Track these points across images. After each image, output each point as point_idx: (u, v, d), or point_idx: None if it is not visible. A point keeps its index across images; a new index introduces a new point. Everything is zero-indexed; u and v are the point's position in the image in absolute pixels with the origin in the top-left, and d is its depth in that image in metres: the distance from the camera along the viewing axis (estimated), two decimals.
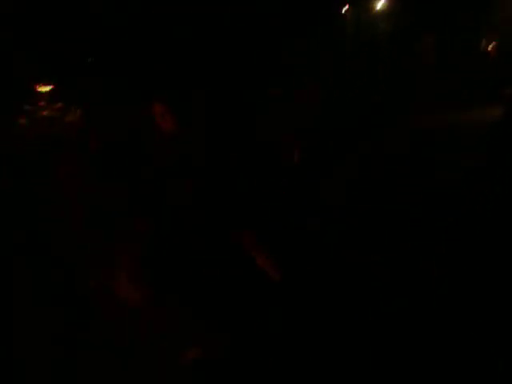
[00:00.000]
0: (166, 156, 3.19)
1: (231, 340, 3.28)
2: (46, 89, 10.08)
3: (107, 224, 3.19)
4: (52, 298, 3.37)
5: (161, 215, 3.11)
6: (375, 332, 3.85)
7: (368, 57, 12.23)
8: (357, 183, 6.96)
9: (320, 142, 6.95)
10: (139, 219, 3.15)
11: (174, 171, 3.13)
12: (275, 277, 3.36)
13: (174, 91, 3.34)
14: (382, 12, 12.18)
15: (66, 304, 3.32)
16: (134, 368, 3.03)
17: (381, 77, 11.95)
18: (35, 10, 10.03)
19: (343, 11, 12.33)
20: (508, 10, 10.80)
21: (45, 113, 8.48)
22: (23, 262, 3.35)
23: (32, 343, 3.17)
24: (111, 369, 3.01)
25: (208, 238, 3.27)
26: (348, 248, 4.86)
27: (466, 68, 11.44)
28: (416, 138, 9.43)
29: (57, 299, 3.36)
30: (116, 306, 3.15)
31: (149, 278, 3.16)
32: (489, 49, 11.25)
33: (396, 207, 6.02)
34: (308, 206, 5.16)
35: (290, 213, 4.89)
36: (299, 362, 3.60)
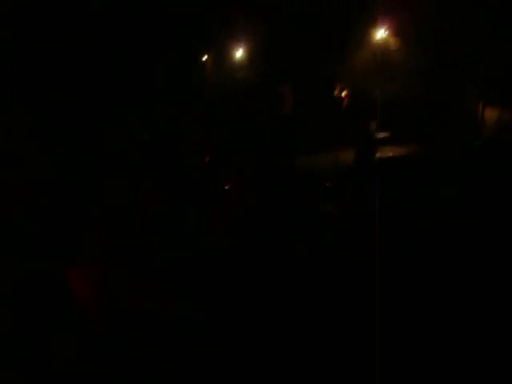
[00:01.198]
0: None
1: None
2: None
3: None
4: None
5: None
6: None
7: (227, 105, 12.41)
8: None
9: None
10: None
11: None
12: None
13: None
14: (240, 61, 12.51)
15: None
16: None
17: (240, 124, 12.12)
18: None
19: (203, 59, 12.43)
20: (357, 59, 11.75)
21: None
22: None
23: None
24: None
25: None
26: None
27: (320, 114, 12.05)
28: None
29: None
30: None
31: None
32: (342, 95, 12.05)
33: None
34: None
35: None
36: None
